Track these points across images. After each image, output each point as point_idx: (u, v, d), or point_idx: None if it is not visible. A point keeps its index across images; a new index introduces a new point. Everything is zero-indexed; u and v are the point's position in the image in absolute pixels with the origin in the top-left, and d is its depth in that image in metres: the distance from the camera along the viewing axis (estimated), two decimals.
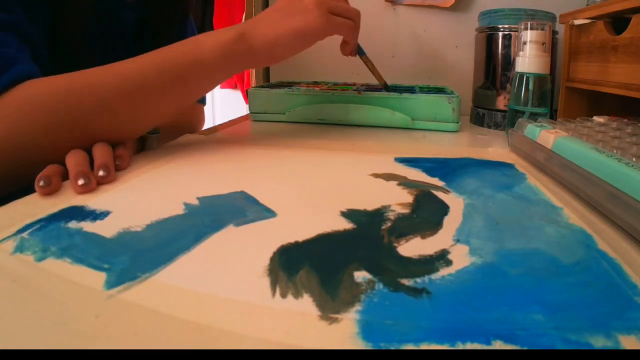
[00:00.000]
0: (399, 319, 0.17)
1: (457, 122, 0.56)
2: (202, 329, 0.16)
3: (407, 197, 0.30)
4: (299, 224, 0.25)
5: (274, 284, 0.19)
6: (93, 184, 0.30)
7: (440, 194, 0.31)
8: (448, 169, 0.37)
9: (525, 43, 0.48)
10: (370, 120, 0.58)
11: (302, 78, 0.79)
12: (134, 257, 0.21)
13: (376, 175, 0.35)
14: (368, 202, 0.29)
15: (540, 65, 0.47)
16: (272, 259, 0.21)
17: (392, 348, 0.15)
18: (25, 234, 0.23)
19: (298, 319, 0.16)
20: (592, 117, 0.46)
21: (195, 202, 0.28)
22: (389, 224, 0.25)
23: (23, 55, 0.37)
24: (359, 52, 0.56)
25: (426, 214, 0.27)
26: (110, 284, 0.19)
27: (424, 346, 0.15)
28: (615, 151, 0.30)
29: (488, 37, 0.60)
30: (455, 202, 0.29)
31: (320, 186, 0.32)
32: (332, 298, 0.18)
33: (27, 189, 0.29)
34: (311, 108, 0.60)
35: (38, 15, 0.40)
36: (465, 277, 0.20)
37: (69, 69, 0.36)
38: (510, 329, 0.16)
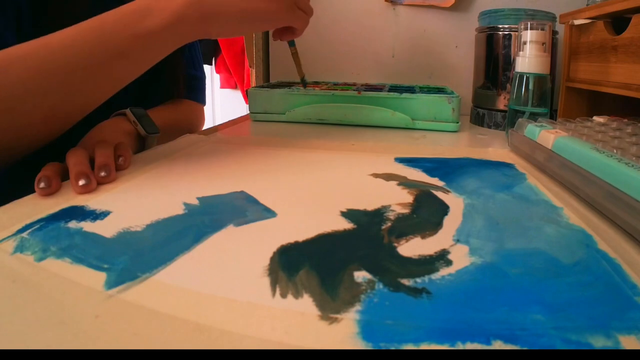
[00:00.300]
0: (399, 319, 0.17)
1: (457, 122, 0.56)
2: (202, 329, 0.16)
3: (407, 197, 0.30)
4: (299, 224, 0.25)
5: (274, 284, 0.19)
6: (93, 184, 0.30)
7: (440, 194, 0.31)
8: (448, 169, 0.37)
9: (525, 43, 0.48)
10: (370, 120, 0.58)
11: None
12: (133, 257, 0.21)
13: (376, 175, 0.35)
14: (368, 202, 0.29)
15: (540, 65, 0.47)
16: (272, 259, 0.21)
17: (392, 348, 0.15)
18: (25, 234, 0.23)
19: (298, 319, 0.16)
20: (592, 117, 0.46)
21: (195, 202, 0.28)
22: (389, 224, 0.25)
23: None
24: (291, 42, 0.56)
25: (426, 214, 0.27)
26: (110, 284, 0.19)
27: (424, 346, 0.15)
28: (615, 151, 0.30)
29: (488, 37, 0.60)
30: (455, 202, 0.29)
31: (320, 186, 0.32)
32: (332, 298, 0.18)
33: (26, 189, 0.29)
34: (311, 108, 0.60)
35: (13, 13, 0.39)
36: (465, 277, 0.20)
37: None
38: (510, 329, 0.16)
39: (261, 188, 0.31)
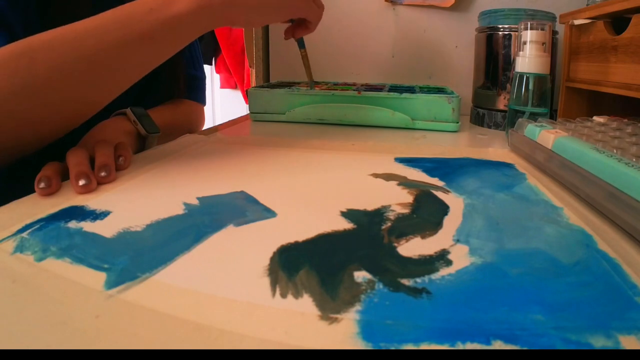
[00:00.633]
0: (399, 319, 0.17)
1: (457, 122, 0.56)
2: (202, 329, 0.16)
3: (407, 197, 0.30)
4: (299, 224, 0.25)
5: (274, 284, 0.19)
6: (93, 184, 0.30)
7: (440, 194, 0.31)
8: (448, 169, 0.37)
9: (525, 43, 0.48)
10: (370, 120, 0.58)
11: (302, 78, 0.79)
12: (133, 257, 0.21)
13: (376, 175, 0.35)
14: (368, 202, 0.29)
15: (540, 65, 0.47)
16: (272, 259, 0.21)
17: (392, 348, 0.15)
18: (25, 234, 0.23)
19: (298, 319, 0.16)
20: (592, 117, 0.46)
21: (195, 202, 0.28)
22: (389, 224, 0.25)
23: None
24: (301, 43, 0.56)
25: (426, 214, 0.27)
26: (110, 284, 0.19)
27: (424, 346, 0.15)
28: (615, 151, 0.30)
29: (488, 37, 0.60)
30: (455, 202, 0.29)
31: (320, 186, 0.32)
32: (332, 298, 0.18)
33: (26, 189, 0.29)
34: (311, 108, 0.60)
35: (23, 6, 0.40)
36: (465, 277, 0.20)
37: None
38: (510, 329, 0.16)
39: (261, 188, 0.31)
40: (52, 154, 0.35)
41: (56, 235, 0.23)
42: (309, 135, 0.52)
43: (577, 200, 0.30)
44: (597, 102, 0.52)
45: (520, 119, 0.45)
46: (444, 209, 0.28)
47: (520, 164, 0.39)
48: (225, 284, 0.19)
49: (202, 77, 0.69)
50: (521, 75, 0.48)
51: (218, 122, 0.69)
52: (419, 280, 0.19)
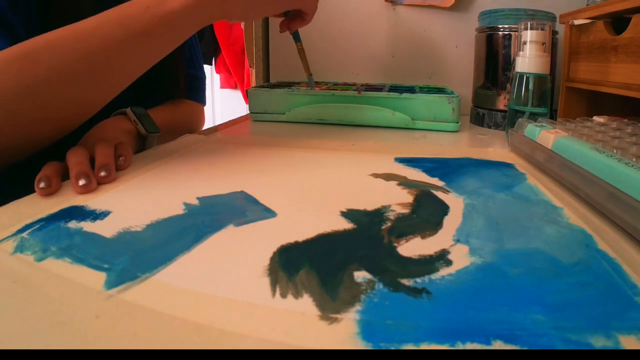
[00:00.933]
0: (399, 319, 0.17)
1: (457, 122, 0.56)
2: (202, 329, 0.16)
3: (407, 197, 0.30)
4: (299, 224, 0.25)
5: (274, 284, 0.19)
6: (93, 184, 0.30)
7: (440, 194, 0.31)
8: (448, 169, 0.37)
9: (525, 43, 0.48)
10: (370, 120, 0.58)
11: (302, 78, 0.79)
12: (133, 257, 0.21)
13: (376, 175, 0.35)
14: (368, 202, 0.29)
15: (540, 65, 0.47)
16: (272, 259, 0.21)
17: (392, 348, 0.15)
18: (25, 234, 0.23)
19: (298, 319, 0.16)
20: (592, 117, 0.46)
21: (195, 202, 0.28)
22: (389, 224, 0.25)
23: None
24: (297, 36, 0.56)
25: (426, 214, 0.27)
26: (110, 284, 0.19)
27: (424, 346, 0.15)
28: (615, 151, 0.30)
29: (488, 37, 0.60)
30: (455, 202, 0.29)
31: (320, 186, 0.32)
32: (332, 298, 0.18)
33: (26, 189, 0.29)
34: (311, 108, 0.60)
35: (24, 6, 0.40)
36: (465, 277, 0.20)
37: None
38: (510, 329, 0.16)
39: (261, 188, 0.31)
40: (52, 154, 0.35)
41: (56, 235, 0.23)
42: (309, 135, 0.52)
43: (577, 200, 0.30)
44: (597, 102, 0.52)
45: (520, 119, 0.45)
46: (444, 209, 0.28)
47: (520, 164, 0.39)
48: (225, 284, 0.19)
49: (202, 77, 0.69)
50: (521, 75, 0.48)
51: (218, 122, 0.70)
52: (419, 280, 0.19)
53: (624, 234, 0.24)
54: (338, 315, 0.17)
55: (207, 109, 0.72)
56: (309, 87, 0.62)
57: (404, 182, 0.33)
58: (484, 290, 0.19)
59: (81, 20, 0.35)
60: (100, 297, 0.18)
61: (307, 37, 0.56)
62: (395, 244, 0.23)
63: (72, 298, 0.18)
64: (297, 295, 0.18)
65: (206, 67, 1.79)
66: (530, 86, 0.48)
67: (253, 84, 0.83)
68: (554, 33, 0.56)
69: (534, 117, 0.47)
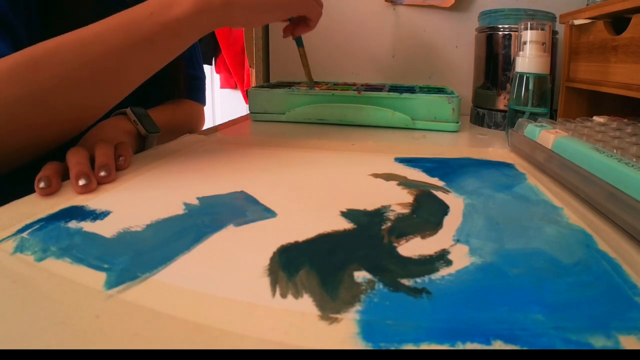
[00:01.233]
0: (399, 319, 0.17)
1: (457, 122, 0.56)
2: (202, 329, 0.16)
3: (407, 197, 0.30)
4: (299, 224, 0.25)
5: (274, 284, 0.19)
6: (93, 184, 0.30)
7: (440, 194, 0.31)
8: (448, 169, 0.37)
9: (525, 43, 0.48)
10: (370, 120, 0.58)
11: (302, 78, 0.79)
12: (133, 257, 0.21)
13: (376, 175, 0.35)
14: (368, 202, 0.29)
15: (540, 65, 0.47)
16: (272, 259, 0.21)
17: (392, 348, 0.15)
18: (25, 234, 0.23)
19: (298, 319, 0.16)
20: (592, 117, 0.46)
21: (195, 202, 0.28)
22: (389, 224, 0.25)
23: None
24: (299, 42, 0.56)
25: (426, 214, 0.27)
26: (110, 284, 0.19)
27: (424, 346, 0.15)
28: (615, 151, 0.30)
29: (488, 37, 0.60)
30: (455, 202, 0.29)
31: (320, 186, 0.32)
32: (332, 298, 0.18)
33: (26, 189, 0.29)
34: (311, 108, 0.60)
35: (24, 10, 0.40)
36: (465, 277, 0.20)
37: None
38: (510, 329, 0.16)
39: (261, 188, 0.31)
40: (52, 154, 0.35)
41: (56, 235, 0.23)
42: (309, 135, 0.52)
43: (577, 200, 0.30)
44: (597, 102, 0.52)
45: (520, 119, 0.45)
46: (444, 209, 0.28)
47: (520, 164, 0.39)
48: (225, 284, 0.19)
49: (202, 77, 0.69)
50: (521, 75, 0.48)
51: (218, 122, 0.70)
52: (419, 280, 0.19)
53: (624, 234, 0.24)
54: (338, 315, 0.17)
55: (207, 109, 0.72)
56: (310, 88, 0.62)
57: (404, 182, 0.33)
58: (484, 290, 0.19)
59: (81, 19, 0.35)
60: (100, 297, 0.18)
61: (307, 37, 0.56)
62: (395, 244, 0.23)
63: (72, 298, 0.18)
64: (297, 295, 0.18)
65: (206, 67, 1.79)
66: (530, 86, 0.48)
67: (253, 84, 0.83)
68: (554, 33, 0.56)
69: (534, 117, 0.47)
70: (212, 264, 0.21)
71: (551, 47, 0.49)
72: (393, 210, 0.27)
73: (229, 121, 0.64)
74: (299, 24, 0.51)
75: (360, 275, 0.20)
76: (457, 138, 0.53)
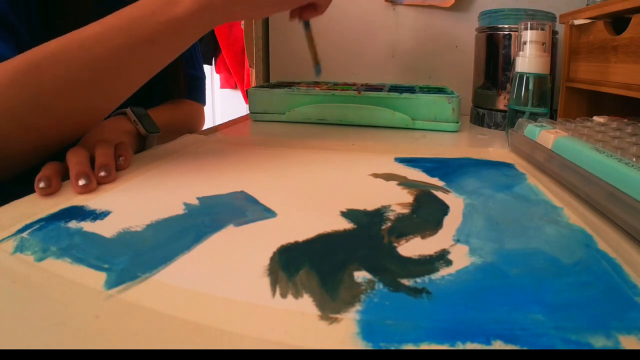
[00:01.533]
0: (399, 319, 0.17)
1: (457, 122, 0.56)
2: (202, 329, 0.16)
3: (407, 197, 0.30)
4: (299, 224, 0.25)
5: (274, 284, 0.19)
6: (93, 184, 0.30)
7: (440, 194, 0.31)
8: (448, 169, 0.37)
9: (525, 43, 0.48)
10: (370, 120, 0.58)
11: (302, 78, 0.79)
12: (133, 257, 0.21)
13: (376, 175, 0.35)
14: (368, 202, 0.29)
15: (540, 65, 0.47)
16: (272, 259, 0.21)
17: (392, 348, 0.15)
18: (25, 234, 0.23)
19: (298, 319, 0.16)
20: (592, 117, 0.46)
21: (195, 202, 0.28)
22: (389, 224, 0.25)
23: None
24: (307, 25, 0.53)
25: (426, 214, 0.27)
26: (110, 284, 0.19)
27: (424, 346, 0.15)
28: (615, 151, 0.30)
29: (488, 37, 0.60)
30: (455, 202, 0.29)
31: (320, 186, 0.32)
32: (332, 298, 0.18)
33: (26, 189, 0.29)
34: (311, 108, 0.60)
35: (26, 11, 0.40)
36: (465, 277, 0.20)
37: None
38: (510, 329, 0.16)
39: (261, 188, 0.31)
40: (52, 153, 0.35)
41: (56, 235, 0.23)
42: (309, 135, 0.52)
43: (577, 200, 0.30)
44: (597, 102, 0.52)
45: (520, 119, 0.45)
46: (444, 209, 0.28)
47: (520, 164, 0.39)
48: (225, 284, 0.19)
49: (202, 77, 0.69)
50: (521, 75, 0.48)
51: (218, 122, 0.69)
52: (419, 280, 0.19)
53: (624, 234, 0.24)
54: (338, 315, 0.17)
55: (207, 109, 0.72)
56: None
57: (404, 182, 0.33)
58: (484, 290, 0.19)
59: (81, 19, 0.35)
60: (100, 297, 0.18)
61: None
62: (395, 244, 0.23)
63: (72, 298, 0.18)
64: (297, 295, 0.18)
65: (206, 67, 1.79)
66: (530, 86, 0.48)
67: (253, 84, 0.83)
68: (554, 33, 0.56)
69: (534, 117, 0.47)
70: (212, 264, 0.21)
71: (551, 47, 0.49)
72: (393, 210, 0.27)
73: (229, 121, 0.64)
74: (307, 6, 0.49)
75: (360, 275, 0.20)
76: (457, 138, 0.53)
